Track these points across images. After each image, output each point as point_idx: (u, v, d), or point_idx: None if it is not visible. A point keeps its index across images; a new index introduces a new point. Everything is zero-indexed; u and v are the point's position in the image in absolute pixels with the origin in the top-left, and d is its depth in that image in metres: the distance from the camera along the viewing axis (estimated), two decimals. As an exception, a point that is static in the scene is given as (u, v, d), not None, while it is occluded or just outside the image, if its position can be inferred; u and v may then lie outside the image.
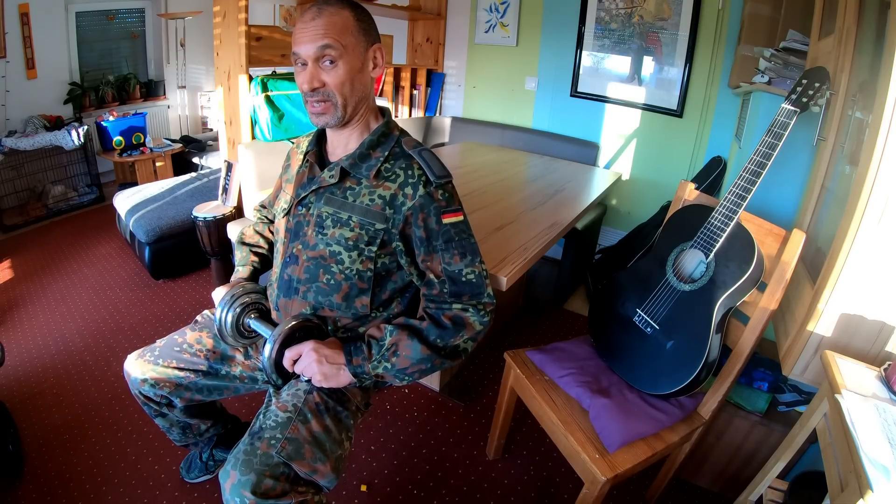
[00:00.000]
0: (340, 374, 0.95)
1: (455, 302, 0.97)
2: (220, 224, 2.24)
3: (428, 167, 0.96)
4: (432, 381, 1.90)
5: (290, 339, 0.96)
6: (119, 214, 2.80)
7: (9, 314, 2.20)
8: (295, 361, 0.96)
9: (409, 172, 0.96)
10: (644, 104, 2.87)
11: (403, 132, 1.04)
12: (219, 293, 1.12)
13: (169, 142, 3.92)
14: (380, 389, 1.41)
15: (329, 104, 0.93)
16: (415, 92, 3.41)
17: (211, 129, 4.48)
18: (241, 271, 1.18)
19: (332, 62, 0.90)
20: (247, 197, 2.21)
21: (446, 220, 0.96)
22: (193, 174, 3.21)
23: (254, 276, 1.19)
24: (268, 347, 0.95)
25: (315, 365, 0.93)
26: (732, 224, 1.14)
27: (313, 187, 1.00)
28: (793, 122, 1.11)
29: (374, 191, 0.96)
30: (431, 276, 0.98)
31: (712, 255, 1.17)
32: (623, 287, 1.38)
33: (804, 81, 1.12)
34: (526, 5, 3.10)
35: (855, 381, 0.89)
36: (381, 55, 0.98)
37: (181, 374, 1.12)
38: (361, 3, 0.96)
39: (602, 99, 2.98)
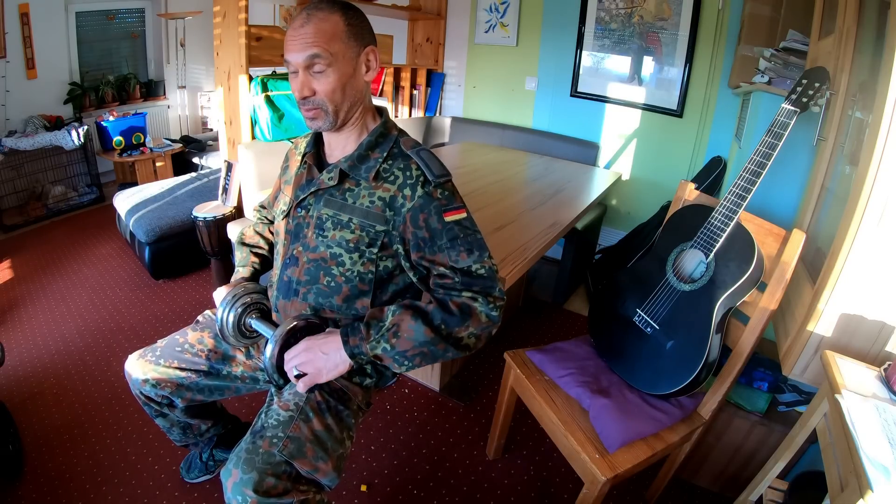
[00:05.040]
0: (337, 359, 0.92)
1: (465, 290, 0.93)
2: (220, 224, 2.24)
3: (426, 167, 0.95)
4: (432, 381, 1.90)
5: (291, 339, 0.96)
6: (119, 214, 2.80)
7: (9, 314, 2.19)
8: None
9: (408, 173, 0.95)
10: (644, 104, 2.87)
11: (402, 132, 1.03)
12: (220, 293, 1.11)
13: (169, 142, 3.92)
14: (381, 389, 1.41)
15: (320, 111, 0.93)
16: (415, 92, 3.41)
17: (211, 129, 4.48)
18: (241, 272, 1.18)
19: (321, 70, 0.89)
20: (247, 197, 2.21)
21: (448, 218, 0.94)
22: (193, 174, 3.21)
23: (254, 276, 1.19)
24: (269, 347, 0.95)
25: (310, 365, 0.92)
26: (732, 224, 1.14)
27: (312, 189, 1.00)
28: (793, 122, 1.11)
29: (373, 192, 0.96)
30: (442, 269, 0.94)
31: (712, 255, 1.17)
32: (623, 287, 1.38)
33: (804, 81, 1.12)
34: (526, 5, 3.10)
35: (855, 381, 0.89)
36: (374, 57, 0.96)
37: (182, 374, 1.12)
38: (356, 4, 0.95)
39: (602, 99, 2.98)
